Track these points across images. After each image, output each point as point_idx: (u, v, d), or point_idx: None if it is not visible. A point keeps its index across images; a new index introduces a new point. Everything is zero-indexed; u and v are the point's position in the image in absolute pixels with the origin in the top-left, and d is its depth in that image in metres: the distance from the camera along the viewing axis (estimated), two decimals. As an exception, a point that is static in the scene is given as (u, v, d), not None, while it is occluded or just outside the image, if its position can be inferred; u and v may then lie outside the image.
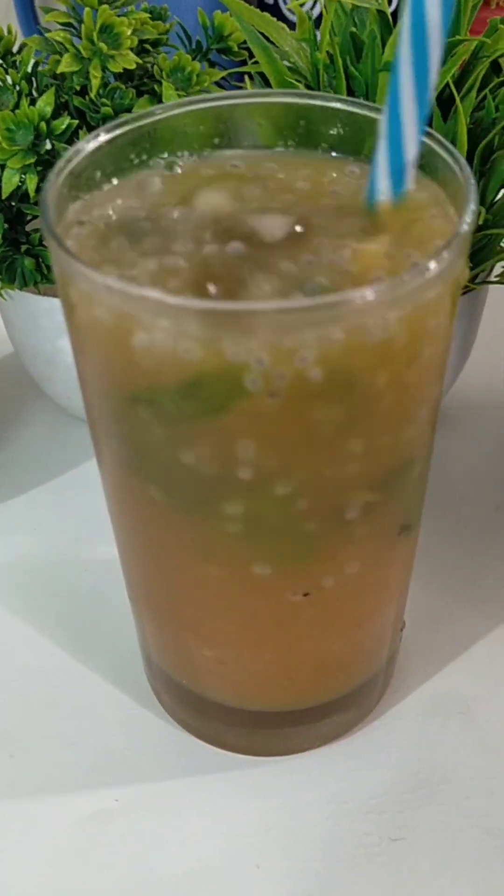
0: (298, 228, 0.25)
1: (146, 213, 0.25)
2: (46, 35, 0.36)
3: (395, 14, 0.37)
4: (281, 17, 0.69)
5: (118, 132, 0.27)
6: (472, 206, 0.24)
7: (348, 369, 0.22)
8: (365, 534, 0.27)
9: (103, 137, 0.26)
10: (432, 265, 0.22)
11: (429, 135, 0.26)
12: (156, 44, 0.37)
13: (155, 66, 0.37)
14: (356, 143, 0.28)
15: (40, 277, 0.40)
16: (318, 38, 0.36)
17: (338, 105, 0.27)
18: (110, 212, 0.26)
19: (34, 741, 0.35)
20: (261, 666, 0.30)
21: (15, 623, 0.38)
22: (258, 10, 0.37)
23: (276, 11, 0.69)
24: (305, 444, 0.23)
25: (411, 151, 0.23)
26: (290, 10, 0.68)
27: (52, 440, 0.47)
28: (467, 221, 0.23)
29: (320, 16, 0.37)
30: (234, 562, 0.26)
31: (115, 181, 0.27)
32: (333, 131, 0.28)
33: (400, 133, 0.23)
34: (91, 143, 0.26)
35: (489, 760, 0.34)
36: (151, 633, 0.33)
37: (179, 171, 0.27)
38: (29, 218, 0.40)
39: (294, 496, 0.24)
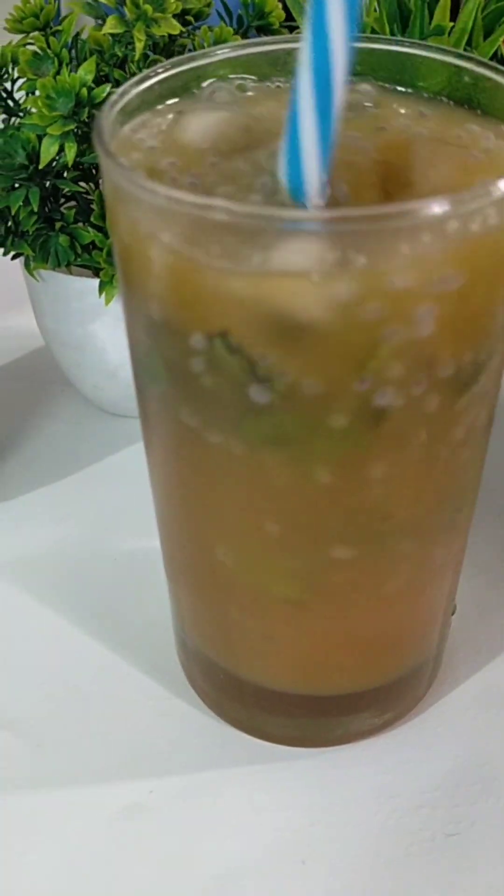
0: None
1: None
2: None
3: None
4: None
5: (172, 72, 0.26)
6: None
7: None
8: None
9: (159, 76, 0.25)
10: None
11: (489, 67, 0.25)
12: (198, 16, 0.37)
13: (196, 40, 0.36)
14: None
15: (74, 256, 0.39)
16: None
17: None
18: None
19: (66, 732, 0.33)
20: (309, 640, 0.29)
21: (45, 613, 0.37)
22: (302, -17, 0.37)
23: None
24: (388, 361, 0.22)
25: (311, 167, 0.21)
26: None
27: (79, 432, 0.46)
28: None
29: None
30: (286, 514, 0.25)
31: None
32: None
33: (298, 147, 0.21)
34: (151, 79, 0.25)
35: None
36: (190, 611, 0.31)
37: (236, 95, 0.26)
38: (65, 192, 0.39)
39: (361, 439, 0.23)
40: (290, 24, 0.38)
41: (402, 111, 0.26)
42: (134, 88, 0.25)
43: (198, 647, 0.32)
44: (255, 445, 0.23)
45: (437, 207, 0.20)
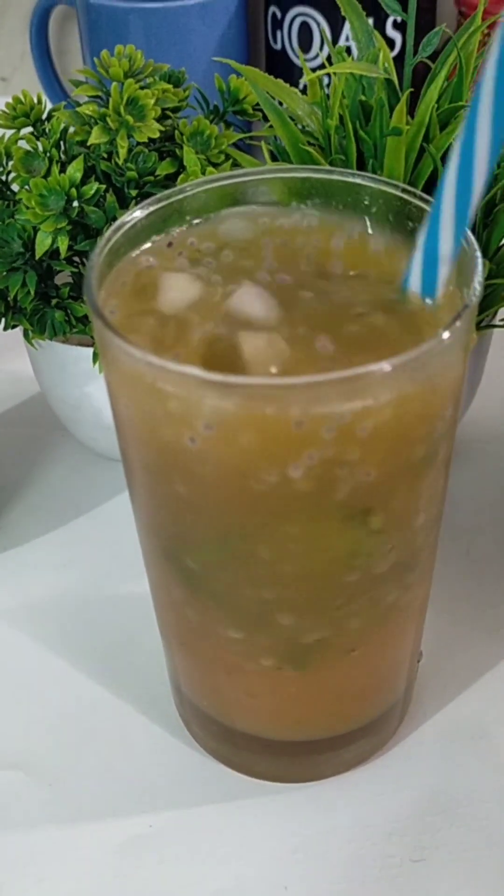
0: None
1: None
2: (76, 109, 0.38)
3: (400, 82, 0.39)
4: (288, 63, 0.71)
5: (152, 209, 0.29)
6: (479, 279, 0.26)
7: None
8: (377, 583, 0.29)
9: (138, 214, 0.29)
10: (446, 335, 0.24)
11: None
12: (176, 109, 0.40)
13: (176, 131, 0.39)
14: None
15: (69, 328, 0.42)
16: (329, 104, 0.38)
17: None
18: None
19: (71, 772, 0.37)
20: (287, 698, 0.32)
21: (48, 657, 0.40)
22: (271, 77, 0.40)
23: (283, 56, 0.72)
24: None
25: (446, 248, 0.25)
26: (297, 55, 0.71)
27: (79, 479, 0.49)
28: (475, 294, 0.26)
29: (330, 76, 0.39)
30: (260, 609, 0.29)
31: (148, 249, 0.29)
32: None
33: (437, 229, 0.25)
34: (129, 220, 0.28)
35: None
36: (182, 667, 0.35)
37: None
38: (58, 272, 0.42)
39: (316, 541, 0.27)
40: (261, 109, 0.41)
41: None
42: (116, 234, 0.28)
43: (189, 697, 0.36)
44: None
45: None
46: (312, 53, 0.70)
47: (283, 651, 0.30)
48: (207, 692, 0.34)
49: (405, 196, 0.29)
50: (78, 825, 0.35)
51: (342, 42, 0.69)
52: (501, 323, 0.42)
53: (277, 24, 0.71)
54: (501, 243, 0.40)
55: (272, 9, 0.71)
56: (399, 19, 0.67)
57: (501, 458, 0.49)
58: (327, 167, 0.31)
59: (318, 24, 0.68)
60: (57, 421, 0.50)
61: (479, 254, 0.26)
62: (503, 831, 0.34)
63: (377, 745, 0.36)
